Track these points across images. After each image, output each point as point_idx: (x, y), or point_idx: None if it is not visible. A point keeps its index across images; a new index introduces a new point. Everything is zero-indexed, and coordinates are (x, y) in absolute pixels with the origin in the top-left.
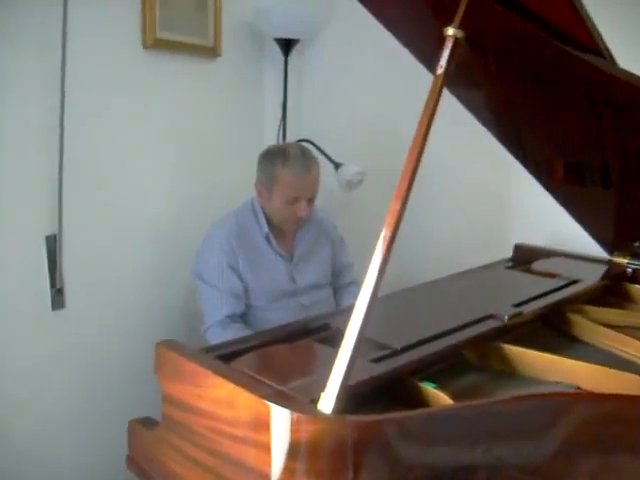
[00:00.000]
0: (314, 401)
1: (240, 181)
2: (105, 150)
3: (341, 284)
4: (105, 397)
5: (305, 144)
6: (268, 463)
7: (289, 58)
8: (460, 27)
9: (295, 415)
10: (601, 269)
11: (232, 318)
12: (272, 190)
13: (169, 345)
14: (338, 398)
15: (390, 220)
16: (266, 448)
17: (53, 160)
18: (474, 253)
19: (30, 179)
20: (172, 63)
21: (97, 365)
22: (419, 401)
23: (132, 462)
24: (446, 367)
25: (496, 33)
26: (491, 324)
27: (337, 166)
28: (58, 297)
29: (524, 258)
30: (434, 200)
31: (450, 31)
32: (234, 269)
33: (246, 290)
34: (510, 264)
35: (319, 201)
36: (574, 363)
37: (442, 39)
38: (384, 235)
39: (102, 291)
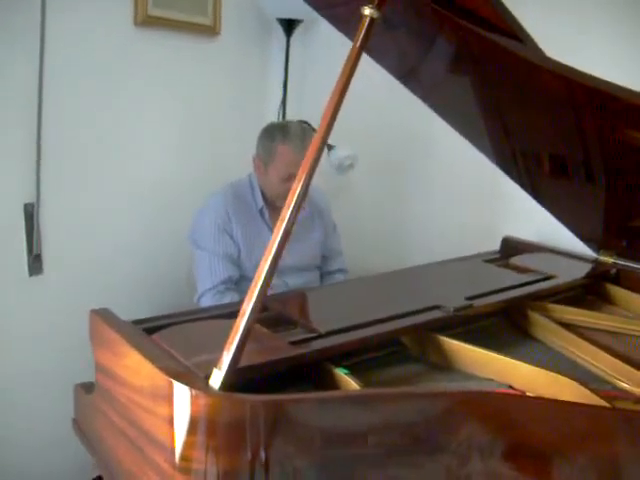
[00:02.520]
0: (208, 377)
1: (238, 161)
2: (87, 123)
3: (328, 270)
4: (81, 362)
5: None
6: (171, 436)
7: (291, 39)
8: (377, 8)
9: (181, 389)
10: (586, 267)
11: (227, 284)
12: (269, 165)
13: (100, 313)
14: (227, 375)
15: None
16: (166, 421)
17: (31, 130)
18: (468, 246)
19: (8, 148)
20: (166, 41)
21: (74, 329)
22: (333, 386)
23: (76, 426)
24: (385, 355)
25: (416, 17)
26: (434, 315)
27: (329, 148)
28: (36, 263)
29: (511, 251)
30: (428, 193)
31: (367, 11)
32: (229, 233)
33: (240, 258)
34: (497, 256)
35: (317, 184)
36: (509, 361)
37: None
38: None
39: (82, 258)
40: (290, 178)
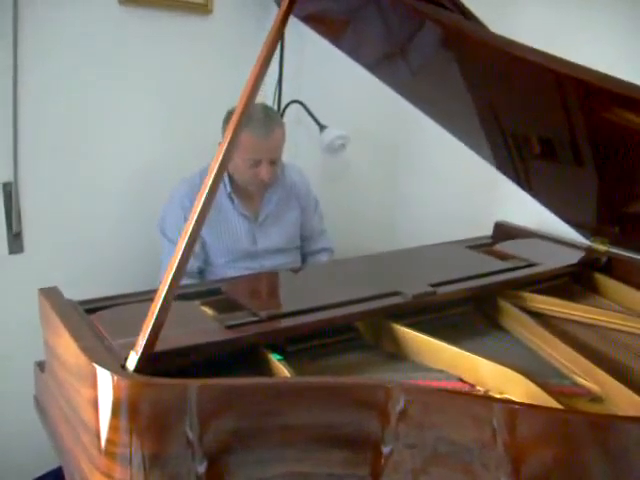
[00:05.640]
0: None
1: None
2: (66, 102)
3: (311, 250)
4: None
5: (295, 105)
6: (95, 418)
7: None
8: None
9: (98, 369)
10: (577, 255)
11: (187, 275)
12: (234, 151)
13: (46, 293)
14: (142, 357)
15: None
16: (90, 402)
17: (7, 108)
18: (463, 230)
19: None
20: (154, 21)
21: None
22: (269, 372)
23: (36, 402)
24: (341, 342)
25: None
26: (391, 301)
27: (322, 129)
28: (16, 241)
29: (503, 237)
30: (423, 175)
31: None
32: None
33: (204, 248)
34: (485, 242)
35: (294, 164)
36: (460, 353)
37: None
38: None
39: (63, 236)
40: (257, 163)
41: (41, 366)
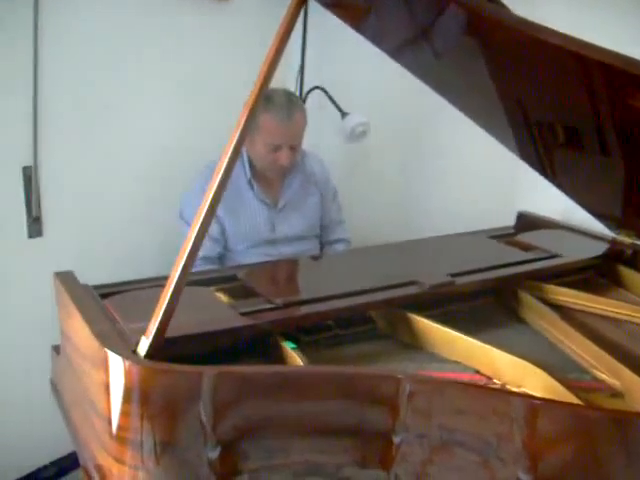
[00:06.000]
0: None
1: None
2: (85, 86)
3: (328, 240)
4: None
5: (317, 92)
6: (107, 402)
7: (309, 2)
8: None
9: (109, 354)
10: (601, 247)
11: (207, 260)
12: (255, 136)
13: (61, 276)
14: (153, 343)
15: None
16: (102, 386)
17: (27, 92)
18: (486, 219)
19: (4, 112)
20: (172, 7)
21: None
22: (282, 360)
23: (52, 386)
24: (359, 332)
25: None
26: (408, 291)
27: (343, 115)
28: (35, 225)
29: (526, 227)
30: (445, 163)
31: None
32: None
33: (224, 233)
34: (508, 232)
35: (321, 150)
36: (477, 345)
37: None
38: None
39: (82, 220)
40: (277, 148)
41: (57, 349)
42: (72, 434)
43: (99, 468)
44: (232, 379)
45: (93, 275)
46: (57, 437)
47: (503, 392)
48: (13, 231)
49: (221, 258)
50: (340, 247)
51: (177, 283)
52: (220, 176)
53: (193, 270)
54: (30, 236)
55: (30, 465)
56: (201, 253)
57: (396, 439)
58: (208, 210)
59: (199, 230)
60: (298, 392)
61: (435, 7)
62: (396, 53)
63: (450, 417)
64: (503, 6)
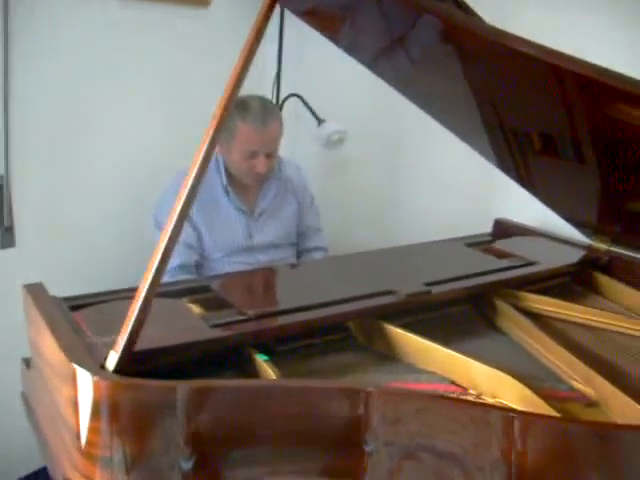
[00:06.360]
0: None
1: None
2: (59, 94)
3: (305, 248)
4: None
5: (294, 99)
6: (75, 418)
7: (286, 9)
8: None
9: (76, 369)
10: (579, 254)
11: (183, 268)
12: (231, 143)
13: (30, 289)
14: (121, 357)
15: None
16: (69, 401)
17: None
18: (464, 226)
19: None
20: (151, 13)
21: None
22: (254, 373)
23: (23, 399)
24: (333, 341)
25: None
26: (384, 300)
27: (320, 123)
28: (7, 236)
29: (503, 234)
30: (423, 171)
31: None
32: (187, 218)
33: (201, 241)
34: (485, 239)
35: (290, 158)
36: (453, 355)
37: None
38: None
39: (55, 230)
40: (253, 155)
41: (27, 362)
42: (43, 448)
43: None
44: (196, 392)
45: (67, 286)
46: (28, 451)
47: (471, 404)
48: None
49: (198, 267)
50: (317, 255)
51: (146, 296)
52: (190, 183)
53: (168, 279)
54: (2, 246)
55: (10, 477)
56: (178, 261)
57: (367, 449)
58: (178, 218)
59: (169, 240)
60: (264, 405)
61: (409, 17)
62: (371, 62)
63: (418, 428)
64: (475, 15)
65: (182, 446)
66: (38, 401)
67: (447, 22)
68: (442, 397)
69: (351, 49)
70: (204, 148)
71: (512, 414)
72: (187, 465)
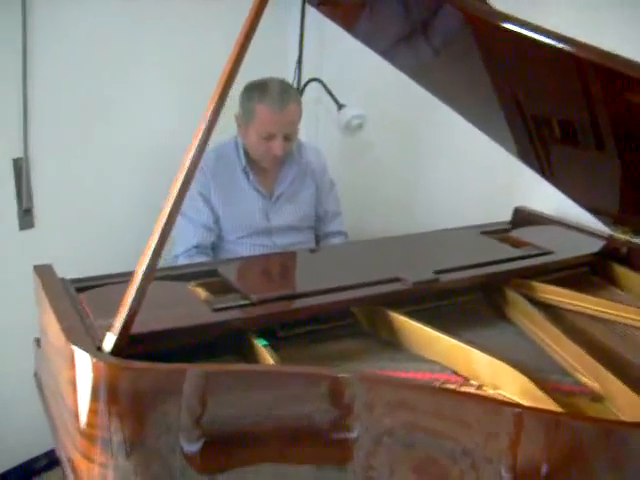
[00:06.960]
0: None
1: None
2: (76, 77)
3: (324, 232)
4: None
5: (315, 84)
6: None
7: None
8: None
9: (75, 350)
10: (598, 245)
11: (200, 249)
12: (249, 125)
13: (39, 270)
14: (118, 339)
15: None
16: (70, 383)
17: (17, 83)
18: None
19: None
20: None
21: None
22: (253, 357)
23: (36, 378)
24: (338, 327)
25: None
26: (390, 287)
27: (340, 108)
28: (26, 217)
29: (522, 223)
30: (443, 156)
31: None
32: (206, 198)
33: (218, 222)
34: (502, 227)
35: (318, 142)
36: (455, 345)
37: None
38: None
39: (74, 211)
40: (270, 137)
41: (39, 342)
42: (51, 427)
43: (70, 462)
44: (190, 375)
45: (85, 267)
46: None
47: (451, 392)
48: (4, 223)
49: (214, 248)
50: (336, 240)
51: (142, 279)
52: (187, 167)
53: (184, 260)
54: (21, 228)
55: (22, 456)
56: (194, 241)
57: (350, 436)
58: (173, 207)
59: (166, 222)
60: (254, 390)
61: (430, 6)
62: (388, 53)
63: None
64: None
65: (187, 428)
66: (46, 380)
67: (468, 13)
68: (424, 387)
69: (368, 39)
70: (199, 135)
71: (493, 405)
72: (192, 448)
